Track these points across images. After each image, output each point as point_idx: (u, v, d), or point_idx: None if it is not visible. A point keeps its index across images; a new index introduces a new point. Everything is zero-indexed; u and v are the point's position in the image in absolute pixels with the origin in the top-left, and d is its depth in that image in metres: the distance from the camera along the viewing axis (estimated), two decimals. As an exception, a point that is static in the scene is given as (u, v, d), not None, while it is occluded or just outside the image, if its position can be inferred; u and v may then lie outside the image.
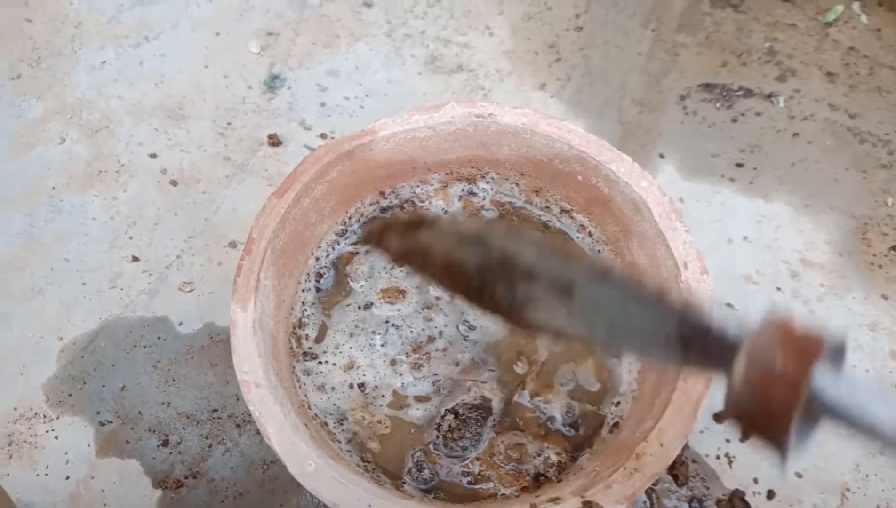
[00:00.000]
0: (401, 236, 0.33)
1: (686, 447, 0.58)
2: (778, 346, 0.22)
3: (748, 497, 0.57)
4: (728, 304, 0.64)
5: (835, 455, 0.58)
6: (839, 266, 0.67)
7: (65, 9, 0.83)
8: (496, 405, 0.47)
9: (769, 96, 0.78)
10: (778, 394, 0.21)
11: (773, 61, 0.81)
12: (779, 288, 0.66)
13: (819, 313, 0.64)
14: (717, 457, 0.58)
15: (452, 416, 0.47)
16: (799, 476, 0.57)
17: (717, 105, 0.78)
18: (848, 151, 0.74)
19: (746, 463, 0.58)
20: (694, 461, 0.58)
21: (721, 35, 0.83)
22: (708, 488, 0.57)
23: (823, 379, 0.22)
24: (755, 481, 0.57)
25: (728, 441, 0.59)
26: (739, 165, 0.73)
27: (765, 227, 0.69)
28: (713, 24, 0.84)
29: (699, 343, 0.24)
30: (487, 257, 0.30)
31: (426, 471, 0.45)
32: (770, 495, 0.57)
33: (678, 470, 0.57)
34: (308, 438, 0.40)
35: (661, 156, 0.74)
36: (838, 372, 0.22)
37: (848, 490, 0.57)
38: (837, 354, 0.23)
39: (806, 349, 0.21)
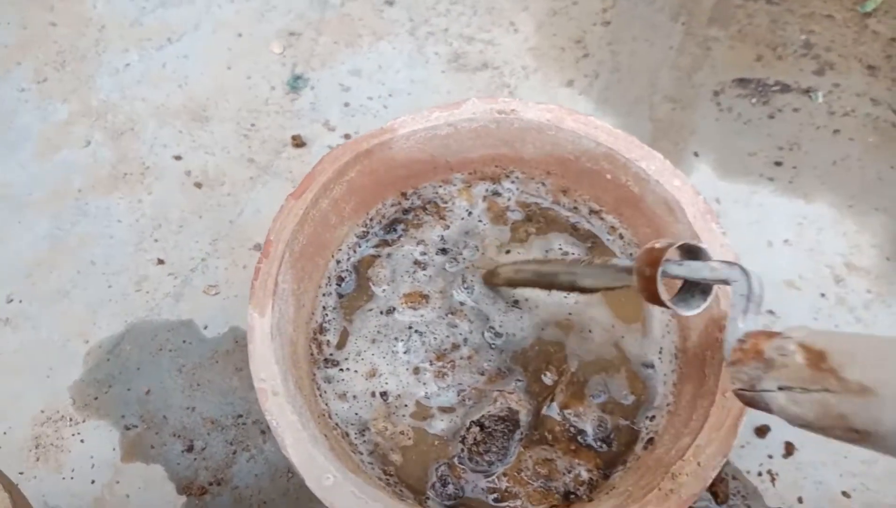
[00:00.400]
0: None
1: (726, 463, 0.56)
2: (644, 255, 0.37)
3: (792, 518, 0.54)
4: (770, 311, 0.61)
5: (885, 475, 0.55)
6: (886, 270, 0.64)
7: (88, 12, 0.83)
8: (524, 417, 0.45)
9: (807, 91, 0.75)
10: (645, 276, 0.37)
11: (809, 54, 0.77)
12: (823, 295, 0.63)
13: (866, 320, 0.61)
14: (760, 474, 0.56)
15: (478, 429, 0.45)
16: (847, 495, 0.55)
17: (753, 101, 0.75)
18: (892, 148, 0.70)
19: (791, 482, 0.55)
20: (734, 477, 0.56)
21: (754, 28, 0.80)
22: (749, 506, 0.55)
23: (669, 265, 0.37)
24: (800, 500, 0.55)
25: (771, 457, 0.56)
26: (778, 164, 0.70)
27: (806, 230, 0.66)
28: (746, 16, 0.81)
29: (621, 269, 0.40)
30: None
31: (450, 486, 0.43)
32: (815, 516, 0.54)
33: (717, 488, 0.54)
34: (327, 450, 0.39)
35: (696, 154, 0.71)
36: (682, 261, 0.37)
37: (899, 512, 0.55)
38: (692, 252, 0.37)
39: (659, 253, 0.36)
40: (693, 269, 0.36)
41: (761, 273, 0.61)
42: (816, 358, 0.23)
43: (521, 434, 0.45)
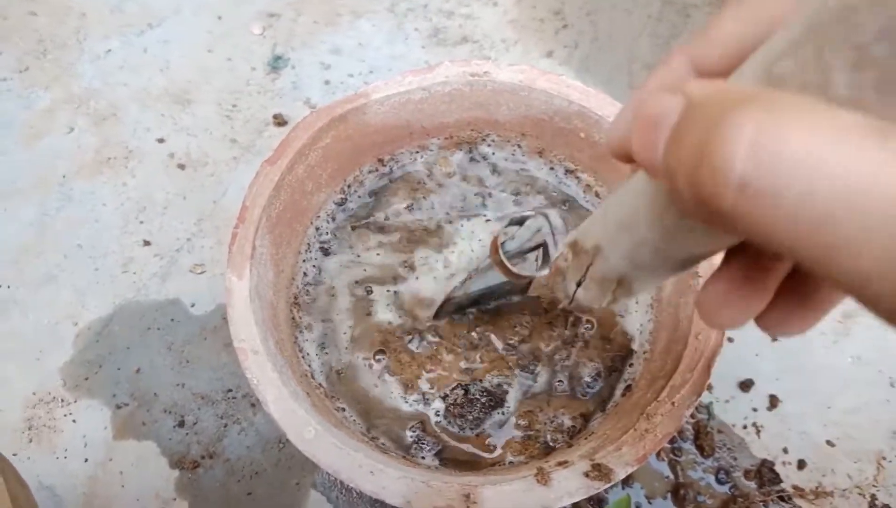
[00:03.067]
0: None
1: (711, 416, 0.56)
2: (490, 247, 0.41)
3: (777, 468, 0.55)
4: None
5: (868, 423, 0.56)
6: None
7: (69, 0, 0.84)
8: (511, 398, 0.46)
9: (786, 51, 0.75)
10: (499, 264, 0.41)
11: (788, 15, 0.78)
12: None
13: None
14: (745, 427, 0.56)
15: (462, 392, 0.45)
16: (830, 444, 0.55)
17: (732, 63, 0.75)
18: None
19: (776, 433, 0.56)
20: (720, 431, 0.56)
21: (733, -9, 0.80)
22: (735, 459, 0.55)
23: (504, 244, 0.41)
24: (785, 451, 0.55)
25: (755, 410, 0.57)
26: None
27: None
28: (725, -21, 0.81)
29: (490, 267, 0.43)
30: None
31: (428, 443, 0.44)
32: (801, 465, 0.55)
33: (703, 441, 0.55)
34: (308, 405, 0.39)
35: (674, 117, 0.72)
36: (514, 234, 0.41)
37: (884, 458, 0.55)
38: (521, 222, 0.41)
39: (495, 239, 0.41)
40: (520, 236, 0.40)
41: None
42: (574, 247, 0.28)
43: (502, 413, 0.45)
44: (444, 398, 0.45)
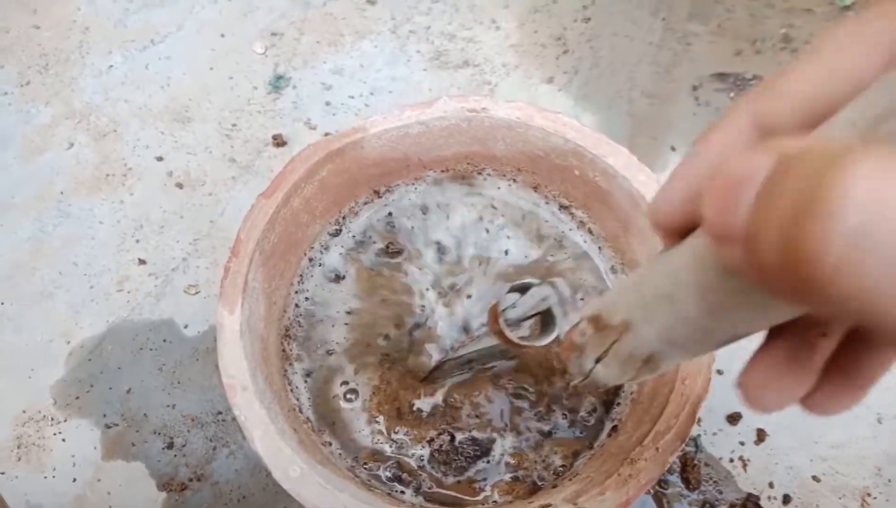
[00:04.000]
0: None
1: (699, 450, 0.57)
2: (490, 314, 0.40)
3: (763, 502, 0.55)
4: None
5: (855, 460, 0.56)
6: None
7: (72, 14, 0.84)
8: (497, 450, 0.45)
9: (785, 84, 0.75)
10: (497, 331, 0.40)
11: (788, 48, 0.78)
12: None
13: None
14: (731, 460, 0.57)
15: (448, 438, 0.45)
16: (816, 479, 0.55)
17: (731, 94, 0.75)
18: (868, 139, 0.71)
19: (762, 467, 0.56)
20: (707, 464, 0.56)
21: (734, 22, 0.80)
22: (721, 492, 0.55)
23: (508, 311, 0.40)
24: (770, 485, 0.55)
25: (742, 444, 0.57)
26: (753, 156, 0.71)
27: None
28: (725, 11, 0.81)
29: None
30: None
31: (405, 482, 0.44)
32: (786, 500, 0.55)
33: (690, 475, 0.55)
34: (295, 443, 0.39)
35: (673, 148, 0.72)
36: (516, 302, 0.40)
37: (869, 494, 0.55)
38: (525, 289, 0.41)
39: (495, 306, 0.40)
40: (522, 304, 0.40)
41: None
42: (596, 321, 0.26)
43: (487, 462, 0.45)
44: (430, 442, 0.45)
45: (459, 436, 0.45)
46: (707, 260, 0.19)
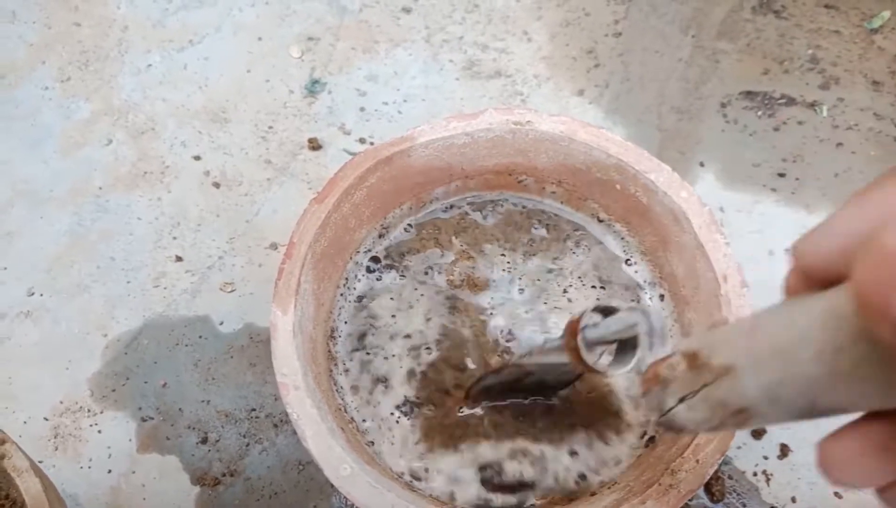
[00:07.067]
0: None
1: (724, 462, 0.58)
2: (566, 329, 0.39)
3: (785, 516, 0.56)
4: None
5: (876, 476, 0.57)
6: (883, 280, 0.65)
7: (112, 13, 0.85)
8: (541, 486, 0.46)
9: (812, 105, 0.77)
10: (571, 348, 0.38)
11: (816, 69, 0.79)
12: (820, 302, 0.64)
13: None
14: (755, 474, 0.58)
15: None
16: (839, 496, 0.56)
17: (759, 113, 0.76)
18: (894, 162, 0.72)
19: (785, 482, 0.57)
20: (731, 477, 0.57)
21: (762, 42, 0.82)
22: (744, 505, 0.56)
23: (588, 330, 0.38)
24: (793, 500, 0.56)
25: (766, 458, 0.58)
26: (781, 175, 0.72)
27: (807, 239, 0.68)
28: (754, 30, 0.82)
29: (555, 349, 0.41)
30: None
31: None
32: (808, 514, 0.56)
33: (714, 487, 0.56)
34: (344, 442, 0.40)
35: (702, 164, 0.73)
36: (598, 322, 0.38)
37: (889, 513, 0.56)
38: (608, 311, 0.38)
39: (576, 323, 0.38)
40: (605, 326, 0.37)
41: (763, 279, 0.64)
42: (692, 358, 0.25)
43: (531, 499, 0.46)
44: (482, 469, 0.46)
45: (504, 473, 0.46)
46: (845, 322, 0.18)
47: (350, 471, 0.39)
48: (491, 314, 0.51)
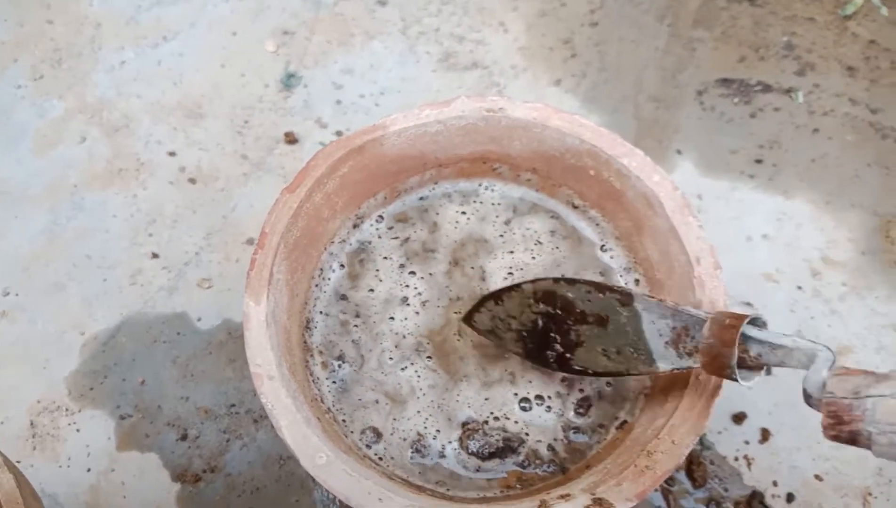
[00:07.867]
0: (489, 312, 0.48)
1: (705, 447, 0.58)
2: (725, 332, 0.37)
3: (767, 500, 0.56)
4: (747, 303, 0.63)
5: (857, 459, 0.57)
6: (862, 264, 0.66)
7: (85, 10, 0.85)
8: (524, 449, 0.46)
9: (788, 91, 0.77)
10: (723, 347, 0.37)
11: (791, 55, 0.80)
12: (799, 287, 0.65)
13: (841, 312, 0.63)
14: (736, 459, 0.58)
15: (481, 432, 0.46)
16: (819, 478, 0.57)
17: (735, 100, 0.77)
18: (870, 147, 0.73)
19: (766, 466, 0.57)
20: (712, 462, 0.58)
21: (738, 29, 0.82)
22: (726, 490, 0.57)
23: (749, 331, 0.37)
24: (774, 483, 0.57)
25: (747, 443, 0.58)
26: (758, 161, 0.72)
27: (785, 225, 0.68)
28: (730, 18, 0.83)
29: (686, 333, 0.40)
30: (552, 307, 0.46)
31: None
32: (790, 498, 0.56)
33: (696, 472, 0.56)
34: (320, 431, 0.40)
35: (679, 152, 0.73)
36: (760, 328, 0.37)
37: (870, 494, 0.57)
38: (760, 322, 0.38)
39: (735, 322, 0.37)
40: (777, 344, 0.36)
41: (741, 265, 0.64)
42: None
43: (513, 462, 0.45)
44: (463, 426, 0.46)
45: (489, 430, 0.46)
46: None
47: (326, 460, 0.39)
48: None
